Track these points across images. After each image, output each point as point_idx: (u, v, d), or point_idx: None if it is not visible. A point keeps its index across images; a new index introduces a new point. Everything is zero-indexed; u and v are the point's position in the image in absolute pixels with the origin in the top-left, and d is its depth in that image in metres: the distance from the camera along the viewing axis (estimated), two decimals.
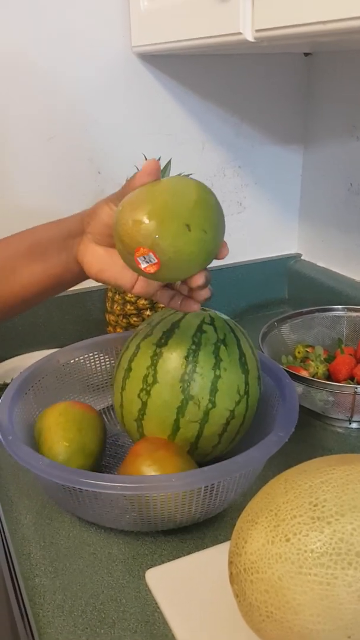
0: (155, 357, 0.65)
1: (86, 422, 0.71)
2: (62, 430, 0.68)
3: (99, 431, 0.72)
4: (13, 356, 1.02)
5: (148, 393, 0.65)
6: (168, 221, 0.51)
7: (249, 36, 0.67)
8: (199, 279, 0.57)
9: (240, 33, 0.67)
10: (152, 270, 0.52)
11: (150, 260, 0.51)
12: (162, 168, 0.91)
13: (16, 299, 0.66)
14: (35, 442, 0.71)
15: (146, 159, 0.92)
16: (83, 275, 0.65)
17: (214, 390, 0.64)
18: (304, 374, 0.85)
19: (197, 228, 0.51)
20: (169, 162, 0.92)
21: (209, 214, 0.53)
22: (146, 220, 0.50)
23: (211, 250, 0.54)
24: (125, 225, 0.51)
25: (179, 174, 0.91)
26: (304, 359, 0.92)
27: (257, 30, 0.65)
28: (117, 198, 0.60)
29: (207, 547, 0.63)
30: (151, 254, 0.51)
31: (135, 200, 0.53)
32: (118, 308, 0.96)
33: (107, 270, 0.62)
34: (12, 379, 0.90)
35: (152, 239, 0.50)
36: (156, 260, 0.51)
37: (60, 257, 0.65)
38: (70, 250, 0.64)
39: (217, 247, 0.55)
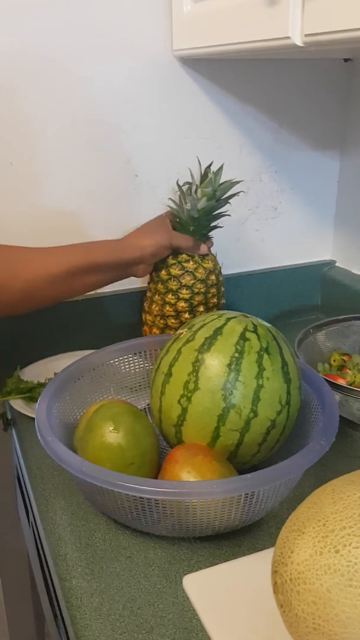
0: (197, 364, 0.65)
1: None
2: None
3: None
4: (45, 357, 1.02)
5: (189, 399, 0.65)
6: None
7: (298, 41, 0.66)
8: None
9: (288, 37, 0.67)
10: None
11: None
12: (213, 172, 0.92)
13: (80, 292, 0.89)
14: (72, 445, 0.71)
15: (200, 163, 0.95)
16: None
17: (256, 400, 0.64)
18: (341, 382, 0.84)
19: None
20: (221, 167, 0.93)
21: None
22: None
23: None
24: None
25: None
26: (340, 367, 0.91)
27: (307, 35, 0.65)
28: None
29: (244, 554, 0.63)
30: None
31: None
32: (156, 308, 0.95)
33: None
34: (46, 379, 0.91)
35: None
36: None
37: (115, 274, 0.90)
38: (127, 272, 0.92)
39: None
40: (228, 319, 0.68)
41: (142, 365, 0.86)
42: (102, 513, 0.69)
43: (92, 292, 1.07)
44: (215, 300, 0.97)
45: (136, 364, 0.86)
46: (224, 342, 0.65)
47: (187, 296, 0.93)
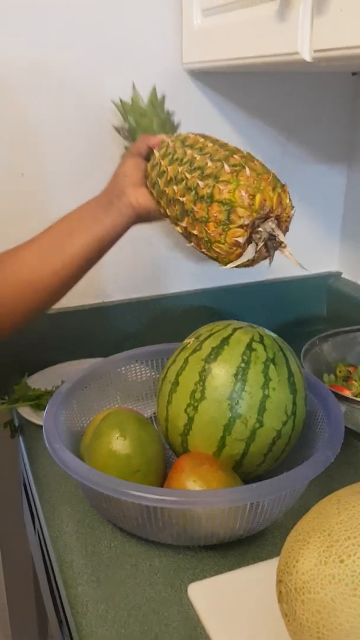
0: (204, 373, 0.66)
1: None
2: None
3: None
4: (53, 364, 1.03)
5: (195, 409, 0.66)
6: None
7: (307, 56, 0.67)
8: None
9: (297, 53, 0.68)
10: None
11: None
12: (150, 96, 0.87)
13: (78, 258, 0.74)
14: (79, 453, 0.72)
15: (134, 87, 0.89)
16: (135, 220, 0.78)
17: (262, 410, 0.64)
18: (346, 393, 0.84)
19: None
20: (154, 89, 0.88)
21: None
22: None
23: None
24: None
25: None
26: (346, 378, 0.92)
27: (315, 51, 0.66)
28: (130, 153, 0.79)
29: (248, 563, 0.63)
30: None
31: None
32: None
33: None
34: (54, 387, 0.92)
35: None
36: None
37: (111, 215, 0.76)
38: (119, 205, 0.76)
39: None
40: (235, 329, 0.69)
41: (148, 374, 0.87)
42: (108, 521, 0.70)
43: (100, 301, 1.08)
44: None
45: (143, 372, 0.87)
46: (231, 352, 0.66)
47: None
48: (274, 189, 0.64)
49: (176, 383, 0.68)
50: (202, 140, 0.73)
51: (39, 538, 0.81)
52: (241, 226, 0.63)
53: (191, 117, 1.03)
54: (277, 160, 1.12)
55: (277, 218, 0.65)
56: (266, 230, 0.64)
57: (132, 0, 0.94)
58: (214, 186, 0.64)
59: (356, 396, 0.87)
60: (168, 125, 0.89)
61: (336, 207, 1.21)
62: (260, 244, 0.65)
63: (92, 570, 0.63)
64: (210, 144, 0.71)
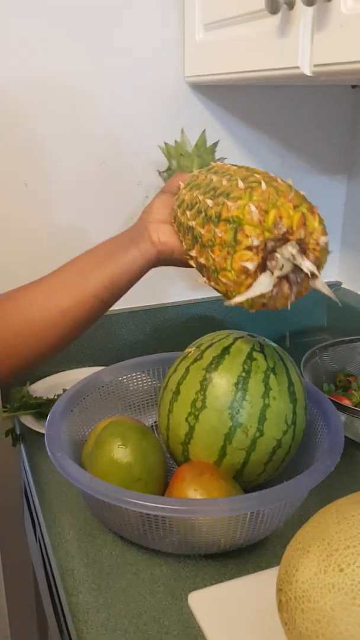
0: (205, 382, 0.66)
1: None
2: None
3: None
4: (55, 373, 1.04)
5: (196, 418, 0.66)
6: None
7: (307, 71, 0.68)
8: None
9: (298, 67, 0.69)
10: None
11: None
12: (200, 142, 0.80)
13: (90, 297, 0.68)
14: (80, 461, 0.72)
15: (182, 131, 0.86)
16: (156, 260, 0.70)
17: (262, 419, 0.65)
18: (346, 403, 0.85)
19: None
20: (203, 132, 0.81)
21: None
22: None
23: None
24: None
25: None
26: (346, 388, 0.92)
27: (316, 65, 0.67)
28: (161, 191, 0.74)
29: (248, 573, 0.64)
30: None
31: None
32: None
33: None
34: (55, 395, 0.92)
35: None
36: None
37: (130, 253, 0.69)
38: (139, 243, 0.70)
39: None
40: (235, 339, 0.69)
41: (150, 383, 0.88)
42: (109, 529, 0.70)
43: None
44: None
45: (144, 381, 0.87)
46: (232, 362, 0.66)
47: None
48: (296, 207, 0.53)
49: (177, 392, 0.69)
50: (232, 167, 0.64)
51: (40, 546, 0.82)
52: (249, 248, 0.52)
53: (192, 129, 1.04)
54: (277, 172, 1.12)
55: (300, 243, 0.53)
56: (284, 257, 0.51)
57: (135, 14, 0.95)
58: (223, 204, 0.55)
59: (356, 406, 0.87)
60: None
61: (336, 218, 1.22)
62: (277, 273, 0.52)
63: (93, 579, 0.64)
64: (235, 168, 0.62)
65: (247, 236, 0.52)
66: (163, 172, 0.82)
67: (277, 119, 1.10)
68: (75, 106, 0.96)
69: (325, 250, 0.54)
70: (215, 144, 0.81)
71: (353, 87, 1.14)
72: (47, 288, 0.69)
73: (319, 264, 0.54)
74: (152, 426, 0.84)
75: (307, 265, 0.52)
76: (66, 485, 0.77)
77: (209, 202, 0.57)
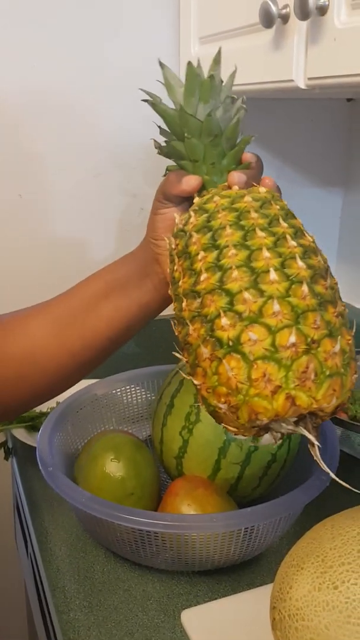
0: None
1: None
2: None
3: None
4: None
5: (190, 431, 0.65)
6: None
7: (301, 84, 0.69)
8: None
9: (292, 80, 0.69)
10: None
11: None
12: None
13: (102, 338, 0.62)
14: (73, 475, 0.72)
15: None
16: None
17: None
18: (343, 416, 0.84)
19: None
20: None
21: None
22: None
23: None
24: None
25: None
26: None
27: (310, 79, 0.67)
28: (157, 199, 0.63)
29: (242, 590, 0.63)
30: None
31: None
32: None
33: None
34: (48, 408, 0.92)
35: None
36: None
37: (144, 286, 0.62)
38: (153, 275, 0.61)
39: None
40: None
41: (144, 396, 0.87)
42: (101, 545, 0.69)
43: None
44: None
45: (138, 394, 0.87)
46: None
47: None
48: (306, 350, 0.40)
49: (171, 405, 0.68)
50: (256, 213, 0.48)
51: (32, 562, 0.80)
52: (237, 429, 0.43)
53: None
54: None
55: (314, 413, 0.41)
56: (281, 430, 0.42)
57: (131, 28, 0.96)
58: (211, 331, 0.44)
59: (352, 419, 0.86)
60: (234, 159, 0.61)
61: (332, 231, 1.22)
62: (278, 435, 0.42)
63: (85, 596, 0.62)
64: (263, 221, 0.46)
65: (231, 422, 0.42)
66: (163, 144, 0.64)
67: (272, 132, 1.10)
68: (71, 118, 0.97)
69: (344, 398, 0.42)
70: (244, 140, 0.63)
71: (348, 100, 1.14)
72: (53, 321, 0.61)
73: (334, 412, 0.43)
74: (146, 440, 0.83)
75: (305, 434, 0.42)
76: (58, 500, 0.76)
77: (205, 351, 0.44)
